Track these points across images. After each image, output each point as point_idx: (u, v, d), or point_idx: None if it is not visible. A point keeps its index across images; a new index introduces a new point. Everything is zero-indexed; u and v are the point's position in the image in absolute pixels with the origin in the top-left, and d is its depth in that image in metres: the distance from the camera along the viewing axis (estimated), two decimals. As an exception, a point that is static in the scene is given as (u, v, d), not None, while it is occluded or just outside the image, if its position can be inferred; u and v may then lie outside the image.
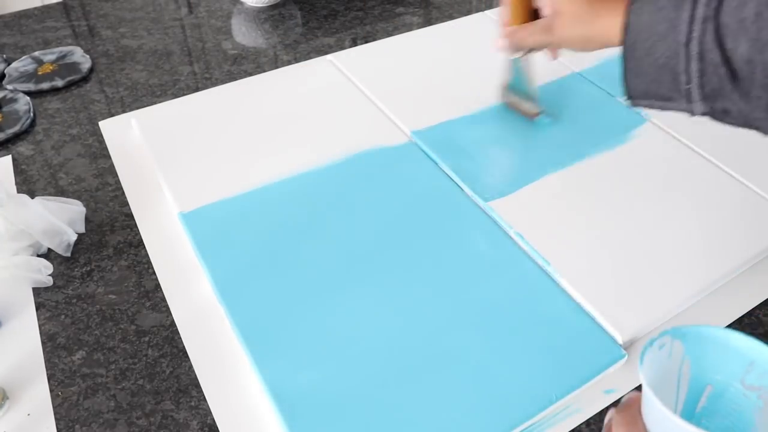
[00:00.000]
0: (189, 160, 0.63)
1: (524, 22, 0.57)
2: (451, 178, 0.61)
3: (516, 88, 0.67)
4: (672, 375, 0.34)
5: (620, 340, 0.47)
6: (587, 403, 0.45)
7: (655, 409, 0.31)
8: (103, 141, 0.68)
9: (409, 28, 0.88)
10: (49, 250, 0.56)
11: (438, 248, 0.54)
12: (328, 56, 0.79)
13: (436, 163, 0.63)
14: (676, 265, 0.53)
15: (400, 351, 0.46)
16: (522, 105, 0.68)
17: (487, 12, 0.89)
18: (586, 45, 0.51)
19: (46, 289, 0.54)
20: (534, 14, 0.57)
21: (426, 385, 0.44)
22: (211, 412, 0.45)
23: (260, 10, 0.93)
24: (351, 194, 0.59)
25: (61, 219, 0.56)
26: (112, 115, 0.72)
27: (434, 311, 0.49)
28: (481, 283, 0.51)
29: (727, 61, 0.38)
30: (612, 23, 0.46)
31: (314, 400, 0.43)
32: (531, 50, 0.61)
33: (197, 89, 0.76)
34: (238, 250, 0.54)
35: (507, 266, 0.52)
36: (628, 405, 0.36)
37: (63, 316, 0.51)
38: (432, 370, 0.45)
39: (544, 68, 0.76)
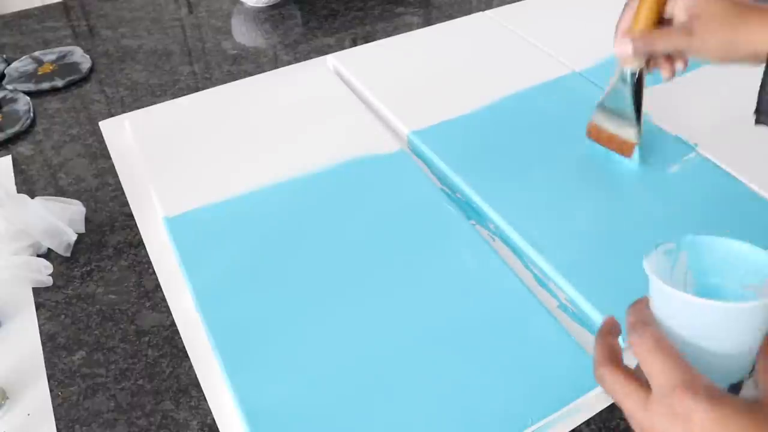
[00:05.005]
0: (178, 164, 0.63)
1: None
2: (441, 189, 0.60)
3: (615, 108, 0.60)
4: (677, 285, 0.34)
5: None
6: (587, 403, 0.45)
7: (664, 295, 0.32)
8: (103, 141, 0.68)
9: (409, 28, 0.88)
10: (49, 250, 0.56)
11: (423, 263, 0.53)
12: (326, 57, 0.79)
13: (427, 172, 0.62)
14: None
15: (376, 367, 0.45)
16: (617, 130, 0.61)
17: (487, 12, 0.89)
18: (728, 53, 0.46)
19: (46, 289, 0.54)
20: (660, 24, 0.53)
21: (402, 403, 0.43)
22: (211, 412, 0.45)
23: (260, 10, 0.93)
24: (338, 204, 0.58)
25: (61, 219, 0.56)
26: (112, 115, 0.72)
27: (416, 328, 0.48)
28: (464, 301, 0.50)
29: None
30: (762, 32, 0.42)
31: (286, 415, 0.43)
32: (650, 61, 0.56)
33: (197, 89, 0.76)
34: (221, 256, 0.53)
35: (492, 283, 0.51)
36: (637, 304, 0.34)
37: (63, 316, 0.51)
38: (409, 388, 0.44)
39: (540, 66, 0.76)
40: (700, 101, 0.71)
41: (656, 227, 0.56)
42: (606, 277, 0.51)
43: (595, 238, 0.55)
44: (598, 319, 0.49)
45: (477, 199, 0.59)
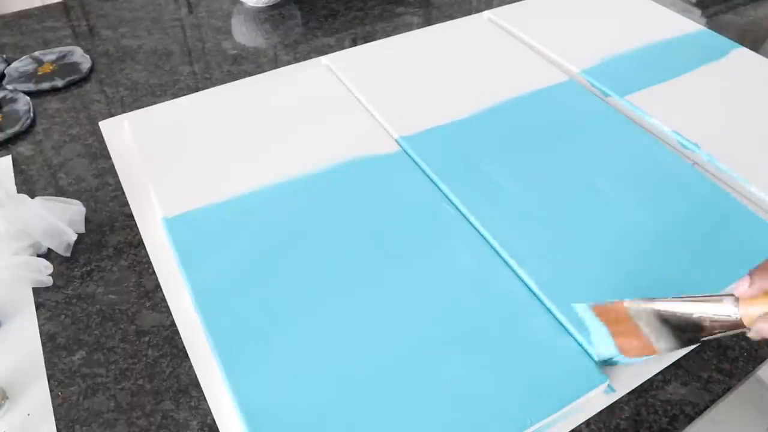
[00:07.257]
0: (178, 164, 0.63)
1: None
2: (439, 189, 0.59)
3: (672, 319, 0.44)
4: None
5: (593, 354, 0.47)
6: (587, 403, 0.45)
7: None
8: (103, 141, 0.68)
9: (409, 28, 0.88)
10: (49, 250, 0.56)
11: (423, 263, 0.53)
12: (323, 58, 0.79)
13: (426, 173, 0.62)
14: (668, 278, 0.52)
15: (376, 367, 0.45)
16: (651, 334, 0.44)
17: (487, 12, 0.89)
18: None
19: (46, 289, 0.54)
20: None
21: (401, 403, 0.43)
22: (211, 412, 0.45)
23: (260, 10, 0.93)
24: (337, 204, 0.58)
25: (61, 219, 0.56)
26: (112, 115, 0.72)
27: (416, 328, 0.48)
28: (464, 301, 0.50)
29: None
30: None
31: (285, 415, 0.43)
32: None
33: (197, 89, 0.76)
34: (220, 257, 0.53)
35: (492, 283, 0.51)
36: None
37: (63, 316, 0.51)
38: (409, 388, 0.44)
39: (537, 71, 0.76)
40: (700, 101, 0.71)
41: (647, 243, 0.55)
42: (590, 297, 0.50)
43: (581, 253, 0.54)
44: (578, 340, 0.48)
45: (462, 209, 0.58)
